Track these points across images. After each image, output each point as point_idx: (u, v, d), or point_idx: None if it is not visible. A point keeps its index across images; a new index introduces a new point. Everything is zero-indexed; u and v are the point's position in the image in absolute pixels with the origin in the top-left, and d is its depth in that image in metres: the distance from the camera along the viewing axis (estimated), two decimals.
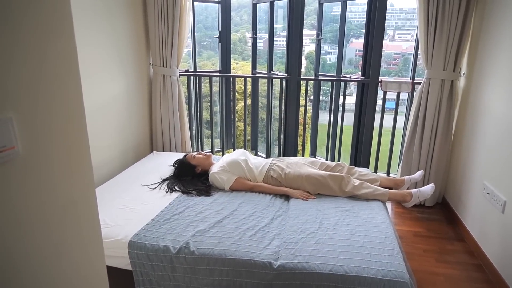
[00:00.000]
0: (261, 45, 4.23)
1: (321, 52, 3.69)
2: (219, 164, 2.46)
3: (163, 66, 3.19)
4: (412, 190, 2.34)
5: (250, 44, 3.89)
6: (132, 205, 2.10)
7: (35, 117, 0.75)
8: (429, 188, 2.33)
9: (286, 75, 3.44)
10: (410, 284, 1.55)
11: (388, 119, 3.29)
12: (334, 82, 3.39)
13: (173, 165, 2.61)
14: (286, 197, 2.30)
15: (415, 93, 3.02)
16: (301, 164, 2.45)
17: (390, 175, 3.37)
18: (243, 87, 3.70)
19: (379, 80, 3.11)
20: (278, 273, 1.61)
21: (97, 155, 2.62)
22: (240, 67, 8.22)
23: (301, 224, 1.93)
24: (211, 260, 1.68)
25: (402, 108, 3.57)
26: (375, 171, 3.36)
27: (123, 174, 2.58)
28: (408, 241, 2.52)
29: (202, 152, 2.61)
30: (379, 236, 1.82)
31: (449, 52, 2.68)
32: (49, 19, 0.76)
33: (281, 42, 4.26)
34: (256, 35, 3.80)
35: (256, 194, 2.29)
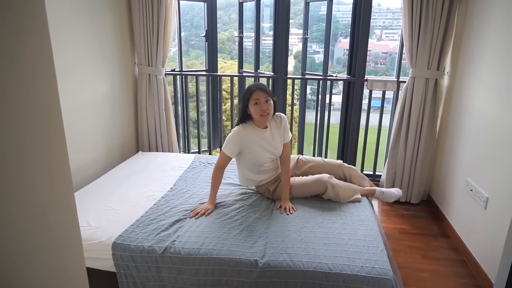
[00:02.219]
0: (250, 44, 4.23)
1: (309, 51, 3.71)
2: (251, 142, 2.13)
3: (149, 66, 3.16)
4: (377, 188, 2.38)
5: (237, 43, 3.89)
6: (116, 206, 2.08)
7: (5, 116, 0.73)
8: (393, 195, 2.37)
9: (272, 74, 3.44)
10: (393, 280, 1.56)
11: (375, 117, 3.32)
12: (321, 81, 3.40)
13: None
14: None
15: (400, 91, 3.05)
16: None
17: (376, 172, 3.40)
18: (230, 87, 3.69)
19: (365, 78, 3.13)
20: (263, 271, 1.61)
21: (81, 156, 2.58)
22: (229, 66, 8.20)
23: (287, 223, 1.93)
24: (196, 260, 1.67)
25: (389, 107, 3.61)
26: (362, 169, 3.38)
27: (108, 175, 2.54)
28: (394, 238, 2.54)
29: (266, 109, 2.06)
30: (364, 234, 1.83)
31: (433, 51, 2.71)
32: (19, 13, 0.74)
33: (269, 42, 4.26)
34: (242, 34, 3.79)
35: (242, 193, 2.28)
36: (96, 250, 1.75)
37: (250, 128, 2.15)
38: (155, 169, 2.64)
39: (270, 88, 3.49)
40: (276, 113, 2.24)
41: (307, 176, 2.29)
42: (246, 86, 4.04)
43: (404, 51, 2.86)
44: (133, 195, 2.22)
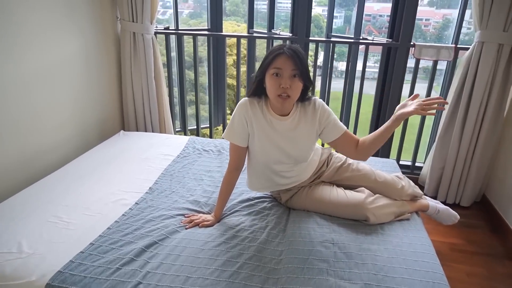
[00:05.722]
0: (264, 7, 3.52)
1: (324, 16, 2.97)
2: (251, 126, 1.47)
3: (133, 21, 2.48)
4: (431, 204, 1.75)
5: None
6: (68, 216, 1.48)
7: None
8: (452, 216, 1.80)
9: (290, 35, 2.73)
10: None
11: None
12: (352, 46, 2.67)
13: None
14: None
15: (457, 62, 2.33)
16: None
17: (416, 164, 2.74)
18: (235, 55, 2.96)
19: (412, 44, 2.40)
20: None
21: (43, 137, 1.99)
22: (242, 30, 7.35)
23: (308, 250, 1.31)
24: None
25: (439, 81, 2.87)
26: (398, 160, 2.71)
27: (71, 165, 1.93)
28: (446, 259, 1.92)
29: (288, 88, 1.33)
30: (424, 280, 1.22)
31: None
32: None
33: (285, 4, 3.63)
34: None
35: (240, 200, 1.66)
36: None
37: (260, 107, 1.45)
38: (134, 157, 2.04)
39: None
40: (311, 98, 1.48)
41: (342, 186, 1.64)
42: (257, 52, 3.35)
43: (471, 5, 2.11)
44: (95, 199, 1.62)
